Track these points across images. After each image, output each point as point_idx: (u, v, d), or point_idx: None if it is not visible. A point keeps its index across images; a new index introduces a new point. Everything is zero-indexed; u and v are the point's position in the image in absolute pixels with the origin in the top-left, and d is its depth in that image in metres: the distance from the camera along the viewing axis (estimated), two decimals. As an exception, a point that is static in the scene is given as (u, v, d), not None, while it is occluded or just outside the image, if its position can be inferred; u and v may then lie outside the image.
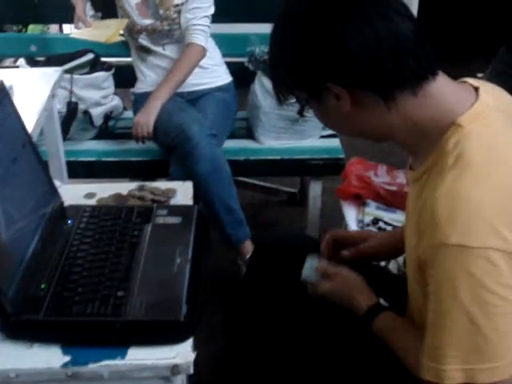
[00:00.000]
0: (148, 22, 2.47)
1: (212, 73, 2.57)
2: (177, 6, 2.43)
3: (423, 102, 1.05)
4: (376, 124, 1.09)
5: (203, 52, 2.45)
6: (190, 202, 1.40)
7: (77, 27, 2.47)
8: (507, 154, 1.01)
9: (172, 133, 2.30)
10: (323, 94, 1.06)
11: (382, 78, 1.02)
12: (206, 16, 2.43)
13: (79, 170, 2.46)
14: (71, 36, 2.55)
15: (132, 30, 2.51)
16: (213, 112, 2.47)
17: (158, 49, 2.51)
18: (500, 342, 0.96)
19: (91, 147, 2.55)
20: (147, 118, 2.34)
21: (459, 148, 1.01)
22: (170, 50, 2.51)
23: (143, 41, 2.51)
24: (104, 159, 2.50)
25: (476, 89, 1.09)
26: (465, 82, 1.11)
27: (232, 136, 2.59)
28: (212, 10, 2.46)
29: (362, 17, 1.00)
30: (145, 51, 2.54)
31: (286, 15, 1.08)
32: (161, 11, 2.44)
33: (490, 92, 1.09)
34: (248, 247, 2.31)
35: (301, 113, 1.20)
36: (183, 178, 1.63)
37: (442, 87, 1.06)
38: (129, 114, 2.70)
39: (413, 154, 1.14)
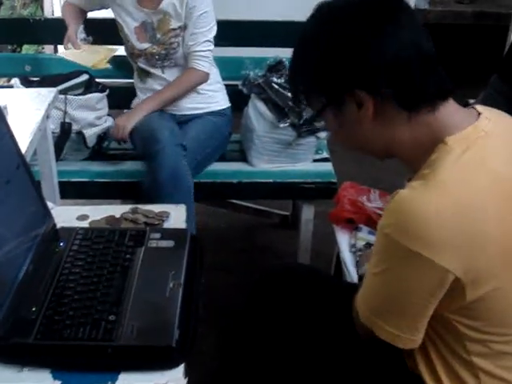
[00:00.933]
0: (145, 45, 2.48)
1: (208, 98, 2.58)
2: (174, 30, 2.44)
3: (433, 121, 1.09)
4: (388, 137, 1.13)
5: (205, 77, 2.47)
6: (183, 225, 1.40)
7: (66, 47, 2.47)
8: (478, 177, 1.04)
9: (144, 135, 2.35)
10: (345, 101, 1.09)
11: (409, 89, 1.06)
12: (207, 40, 2.45)
13: (71, 191, 2.45)
14: (58, 54, 2.55)
15: (132, 54, 2.53)
16: (195, 129, 2.50)
17: (157, 72, 2.52)
18: (401, 316, 1.10)
19: (84, 168, 2.54)
20: (125, 123, 2.40)
21: (435, 162, 1.05)
22: (169, 74, 2.53)
23: (142, 64, 2.53)
24: (97, 180, 2.50)
25: (479, 114, 1.12)
26: (473, 107, 1.15)
27: (225, 159, 2.60)
28: (213, 33, 2.46)
29: (395, 27, 1.06)
30: (145, 73, 2.55)
31: (318, 17, 1.12)
32: (158, 35, 2.46)
33: (492, 118, 1.11)
34: None
35: (311, 121, 1.24)
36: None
37: (451, 109, 1.11)
38: (122, 135, 2.70)
39: (413, 170, 1.17)
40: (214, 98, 2.59)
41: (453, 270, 1.01)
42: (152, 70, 2.54)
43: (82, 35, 2.68)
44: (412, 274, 1.04)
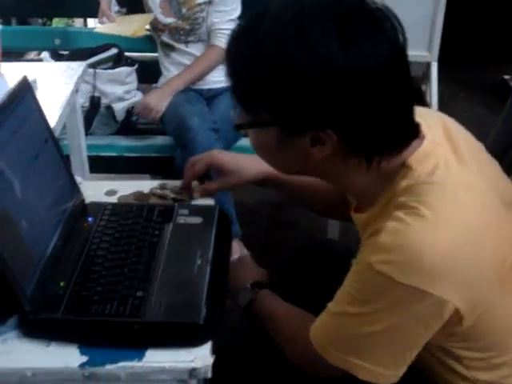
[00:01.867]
0: (170, 20, 2.47)
1: None
2: (199, 5, 2.42)
3: (396, 156, 1.01)
4: (335, 175, 1.05)
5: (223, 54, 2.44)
6: (211, 201, 1.38)
7: (101, 22, 2.47)
8: (466, 199, 0.98)
9: (174, 122, 2.34)
10: (300, 133, 0.97)
11: (379, 144, 0.98)
12: (231, 19, 2.43)
13: (100, 165, 2.46)
14: (95, 31, 2.55)
15: (156, 28, 2.51)
16: (223, 107, 2.47)
17: (181, 46, 2.51)
18: (389, 353, 1.01)
19: (113, 142, 2.55)
20: (158, 104, 2.39)
21: (412, 189, 0.98)
22: (193, 48, 2.51)
23: (166, 38, 2.51)
24: (125, 154, 2.50)
25: (417, 125, 1.04)
26: None
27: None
28: (238, 12, 2.45)
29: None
30: (168, 48, 2.54)
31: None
32: (183, 10, 2.44)
33: (432, 127, 1.05)
34: (234, 246, 2.30)
35: (239, 128, 1.10)
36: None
37: None
38: (151, 109, 2.70)
39: (359, 198, 1.12)
40: None
41: (453, 301, 0.95)
42: (176, 45, 2.53)
43: (116, 8, 2.68)
44: (406, 310, 0.96)
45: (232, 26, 2.42)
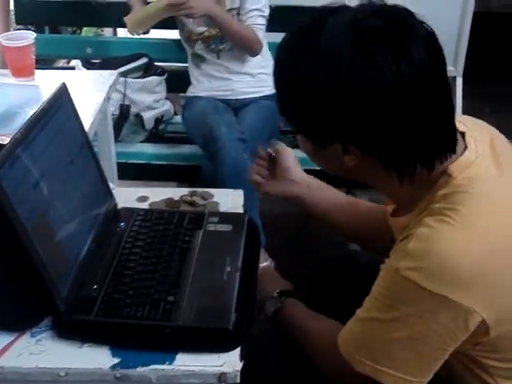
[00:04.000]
0: (202, 29, 2.49)
1: (261, 82, 2.58)
2: (231, 10, 2.45)
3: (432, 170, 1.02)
4: (372, 182, 1.08)
5: (259, 45, 2.47)
6: (240, 209, 1.40)
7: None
8: (497, 208, 0.98)
9: (202, 132, 2.35)
10: (331, 143, 1.01)
11: (408, 157, 0.99)
12: (262, 16, 2.47)
13: (128, 172, 2.48)
14: (125, 19, 2.50)
15: (189, 38, 2.54)
16: (251, 118, 2.49)
17: (213, 57, 2.53)
18: (416, 360, 1.01)
19: (141, 150, 2.59)
20: (198, 6, 2.32)
21: (448, 198, 0.98)
22: (224, 59, 2.53)
23: (199, 49, 2.54)
24: (153, 162, 2.54)
25: (462, 133, 1.05)
26: None
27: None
28: (267, 10, 2.49)
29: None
30: (199, 58, 2.57)
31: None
32: None
33: (477, 137, 1.06)
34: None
35: (285, 133, 1.17)
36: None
37: None
38: (179, 118, 2.73)
39: (398, 203, 1.13)
40: (267, 81, 2.57)
41: (480, 311, 0.95)
42: (207, 56, 2.55)
43: None
44: (433, 318, 0.96)
45: (263, 21, 2.47)
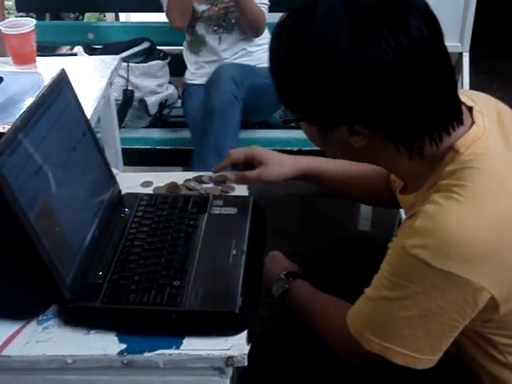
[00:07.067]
0: (204, 7, 2.48)
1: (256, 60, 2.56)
2: None
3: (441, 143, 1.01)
4: (381, 160, 1.07)
5: (263, 23, 2.46)
6: (245, 192, 1.39)
7: None
8: (505, 184, 0.97)
9: (198, 133, 2.36)
10: (337, 126, 1.00)
11: (415, 131, 0.98)
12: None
13: (133, 158, 2.48)
14: None
15: (191, 17, 2.51)
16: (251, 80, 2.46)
17: (214, 40, 2.51)
18: (425, 338, 1.00)
19: (146, 135, 2.57)
20: None
21: (456, 174, 0.97)
22: (224, 43, 2.51)
23: (200, 29, 2.51)
24: (158, 147, 2.52)
25: (469, 108, 1.04)
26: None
27: (284, 126, 2.56)
28: None
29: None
30: (199, 43, 2.54)
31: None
32: None
33: (484, 112, 1.04)
34: None
35: (287, 123, 1.17)
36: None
37: None
38: (183, 102, 2.71)
39: (407, 180, 1.12)
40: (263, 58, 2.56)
41: (488, 288, 0.94)
42: (208, 38, 2.52)
43: None
44: (441, 295, 0.96)
45: (265, 3, 2.46)
